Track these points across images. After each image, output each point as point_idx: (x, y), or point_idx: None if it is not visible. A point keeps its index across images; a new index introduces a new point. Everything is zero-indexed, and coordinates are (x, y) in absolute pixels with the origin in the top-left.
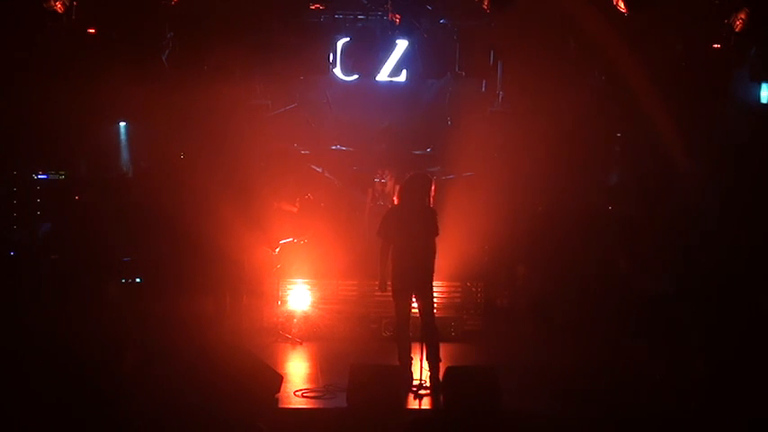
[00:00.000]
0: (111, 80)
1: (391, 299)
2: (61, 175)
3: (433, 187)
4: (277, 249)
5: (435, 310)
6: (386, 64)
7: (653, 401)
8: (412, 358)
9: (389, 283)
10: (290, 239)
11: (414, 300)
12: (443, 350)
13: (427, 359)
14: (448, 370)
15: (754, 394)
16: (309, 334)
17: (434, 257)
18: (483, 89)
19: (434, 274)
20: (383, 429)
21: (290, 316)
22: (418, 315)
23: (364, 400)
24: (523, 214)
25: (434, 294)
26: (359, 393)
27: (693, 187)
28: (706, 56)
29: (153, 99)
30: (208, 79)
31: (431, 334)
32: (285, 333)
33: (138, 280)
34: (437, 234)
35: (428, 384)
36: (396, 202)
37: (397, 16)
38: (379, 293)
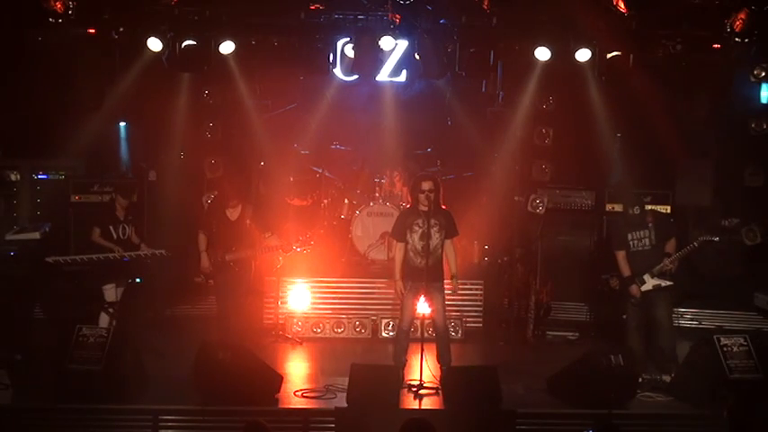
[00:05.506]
0: (111, 80)
1: (398, 299)
2: (61, 175)
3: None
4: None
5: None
6: (386, 64)
7: (653, 401)
8: (406, 360)
9: (402, 283)
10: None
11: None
12: None
13: (438, 360)
14: (448, 370)
15: (753, 394)
16: (309, 334)
17: (453, 257)
18: (483, 89)
19: (457, 275)
20: (383, 429)
21: (290, 316)
22: (429, 316)
23: (364, 400)
24: (523, 214)
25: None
26: (359, 393)
27: (693, 187)
28: (706, 56)
29: (153, 99)
30: (208, 79)
31: (442, 335)
32: (285, 333)
33: (138, 280)
34: (455, 234)
35: (430, 384)
36: (408, 205)
37: (397, 16)
38: (380, 293)
